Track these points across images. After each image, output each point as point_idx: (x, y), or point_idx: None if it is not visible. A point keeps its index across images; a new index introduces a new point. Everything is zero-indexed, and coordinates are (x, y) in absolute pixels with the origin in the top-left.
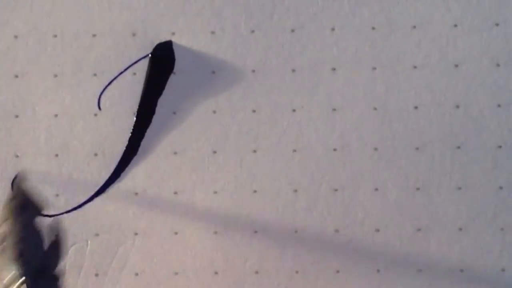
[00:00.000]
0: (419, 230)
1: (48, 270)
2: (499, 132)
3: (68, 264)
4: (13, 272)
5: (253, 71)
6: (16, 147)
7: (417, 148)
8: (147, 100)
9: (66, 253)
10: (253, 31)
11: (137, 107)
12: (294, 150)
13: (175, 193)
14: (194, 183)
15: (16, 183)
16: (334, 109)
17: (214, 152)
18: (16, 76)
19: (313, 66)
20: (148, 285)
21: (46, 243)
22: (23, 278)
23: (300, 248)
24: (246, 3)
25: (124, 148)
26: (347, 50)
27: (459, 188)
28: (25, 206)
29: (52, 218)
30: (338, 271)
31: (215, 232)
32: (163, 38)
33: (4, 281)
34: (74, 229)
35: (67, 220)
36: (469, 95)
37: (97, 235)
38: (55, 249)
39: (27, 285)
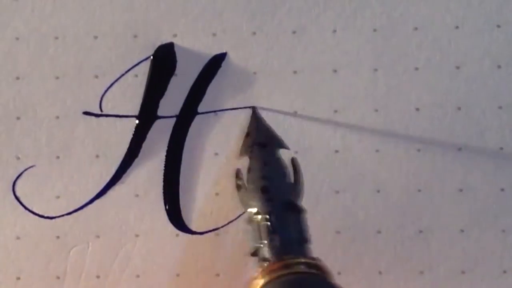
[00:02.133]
0: (420, 231)
1: (294, 204)
2: (500, 133)
3: (69, 266)
4: (257, 207)
5: (255, 72)
6: (17, 149)
7: (418, 150)
8: (148, 102)
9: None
10: (254, 33)
11: (139, 109)
12: (296, 152)
13: None
14: (196, 184)
15: (253, 120)
16: (335, 111)
17: (216, 154)
18: (17, 78)
19: (314, 67)
20: (149, 287)
21: (289, 176)
22: (269, 213)
23: None
24: (247, 5)
25: (126, 150)
26: (349, 51)
27: (461, 190)
28: (264, 142)
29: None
30: (339, 273)
31: (217, 234)
32: (165, 40)
33: (248, 216)
34: (75, 231)
35: (68, 222)
36: (471, 97)
37: (98, 237)
38: (299, 182)
39: (272, 221)
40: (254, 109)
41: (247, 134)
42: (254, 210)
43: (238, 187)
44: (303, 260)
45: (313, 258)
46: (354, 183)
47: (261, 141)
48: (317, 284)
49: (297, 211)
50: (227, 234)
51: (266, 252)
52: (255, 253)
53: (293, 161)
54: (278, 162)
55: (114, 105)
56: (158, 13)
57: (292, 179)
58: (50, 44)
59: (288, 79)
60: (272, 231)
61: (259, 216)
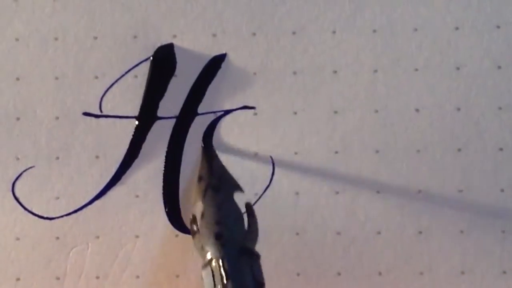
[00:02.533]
0: (420, 232)
1: (249, 249)
2: (500, 134)
3: (68, 267)
4: (210, 253)
5: (254, 73)
6: (17, 149)
7: (418, 151)
8: (148, 102)
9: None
10: (254, 34)
11: (139, 109)
12: (296, 153)
13: None
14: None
15: (205, 161)
16: (335, 112)
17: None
18: (17, 79)
19: (314, 68)
20: (149, 287)
21: (244, 221)
22: (222, 259)
23: (301, 251)
24: (247, 6)
25: (125, 151)
26: (348, 52)
27: (460, 191)
28: (218, 186)
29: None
30: (339, 274)
31: None
32: (165, 40)
33: (202, 263)
34: (74, 231)
35: (67, 223)
36: (470, 98)
37: (98, 237)
38: (253, 227)
39: (225, 266)
40: (207, 148)
41: (200, 178)
42: (208, 255)
43: (193, 233)
44: None
45: None
46: (354, 184)
47: (215, 184)
48: None
49: (252, 257)
50: None
51: None
52: None
53: (248, 206)
54: (232, 207)
55: (114, 105)
56: (158, 14)
57: (246, 224)
58: (50, 44)
59: (288, 80)
60: (226, 277)
61: (214, 262)
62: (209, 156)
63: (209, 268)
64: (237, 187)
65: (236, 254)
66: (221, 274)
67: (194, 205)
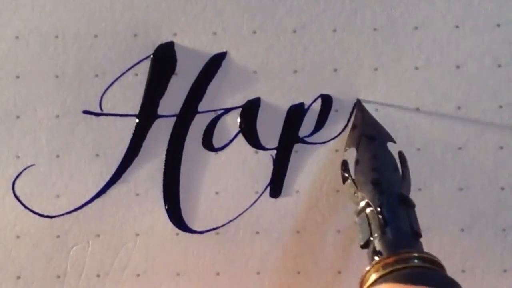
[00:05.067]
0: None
1: (406, 197)
2: (500, 133)
3: (69, 265)
4: (367, 199)
5: (255, 71)
6: (17, 148)
7: (418, 149)
8: (148, 101)
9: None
10: (254, 32)
11: (139, 108)
12: (296, 151)
13: None
14: (196, 183)
15: (359, 112)
16: (336, 110)
17: (216, 153)
18: (17, 77)
19: (314, 67)
20: (150, 286)
21: (400, 169)
22: (380, 206)
23: (302, 249)
24: (247, 4)
25: (126, 149)
26: (349, 51)
27: (461, 189)
28: (372, 135)
29: None
30: (339, 272)
31: (217, 233)
32: (165, 39)
33: (357, 208)
34: (75, 230)
35: (68, 221)
36: (471, 96)
37: (98, 236)
38: (407, 175)
39: (383, 213)
40: (358, 101)
41: (353, 126)
42: (363, 202)
43: (344, 179)
44: (417, 255)
45: (427, 253)
46: None
47: (369, 133)
48: (434, 278)
49: (409, 205)
50: (227, 233)
51: (378, 245)
52: (365, 245)
53: (401, 155)
54: (387, 155)
55: (114, 104)
56: (158, 12)
57: (400, 172)
58: (50, 43)
59: (288, 78)
60: (384, 224)
61: (369, 209)
62: (362, 109)
63: (364, 215)
64: (390, 137)
65: (395, 201)
66: (379, 221)
67: (345, 151)
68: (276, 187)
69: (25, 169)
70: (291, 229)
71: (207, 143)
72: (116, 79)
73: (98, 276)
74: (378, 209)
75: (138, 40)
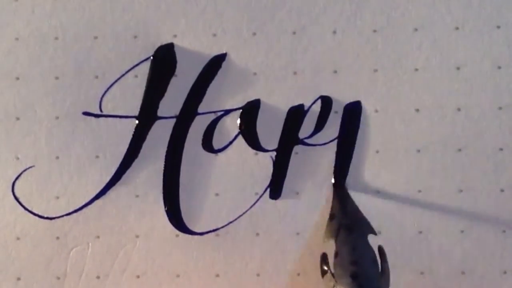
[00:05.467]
0: (420, 232)
1: None
2: (500, 134)
3: (69, 267)
4: None
5: (255, 73)
6: (17, 149)
7: (418, 151)
8: (148, 102)
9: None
10: (254, 33)
11: (139, 109)
12: (296, 153)
13: None
14: (196, 185)
15: (338, 200)
16: (335, 112)
17: (216, 155)
18: (17, 78)
19: (314, 68)
20: (149, 287)
21: (378, 265)
22: None
23: (301, 251)
24: (247, 5)
25: (125, 151)
26: (349, 52)
27: (461, 191)
28: (352, 226)
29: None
30: None
31: (217, 235)
32: (165, 40)
33: None
34: (75, 231)
35: (68, 223)
36: (471, 98)
37: (98, 237)
38: (388, 269)
39: None
40: (339, 187)
41: (332, 216)
42: None
43: (323, 272)
44: None
45: None
46: (354, 184)
47: (349, 224)
48: None
49: None
50: (227, 234)
51: None
52: None
53: (380, 249)
54: (367, 247)
55: (114, 105)
56: (158, 14)
57: (380, 267)
58: (50, 44)
59: (288, 79)
60: None
61: None
62: (342, 196)
63: None
64: (371, 229)
65: None
66: None
67: (324, 243)
68: (276, 188)
69: (24, 170)
70: (290, 230)
71: (207, 144)
72: (116, 81)
73: (98, 277)
74: None
75: (138, 41)
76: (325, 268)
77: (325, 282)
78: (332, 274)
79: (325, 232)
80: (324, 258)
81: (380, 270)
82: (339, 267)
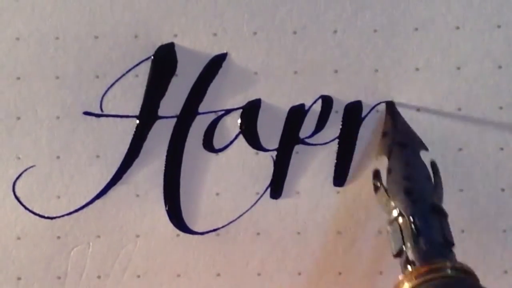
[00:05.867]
0: None
1: (439, 207)
2: (501, 134)
3: (69, 266)
4: (399, 208)
5: (255, 73)
6: (17, 149)
7: None
8: (149, 102)
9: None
10: (255, 33)
11: (139, 109)
12: (297, 152)
13: None
14: (196, 184)
15: (390, 118)
16: (336, 111)
17: (217, 154)
18: (18, 78)
19: (315, 68)
20: (150, 287)
21: (432, 178)
22: (413, 215)
23: (302, 250)
24: (248, 5)
25: (126, 150)
26: (349, 52)
27: (461, 190)
28: (405, 142)
29: None
30: (340, 273)
31: (218, 234)
32: (165, 40)
33: (389, 218)
34: (75, 231)
35: (68, 222)
36: (471, 97)
37: (98, 237)
38: (440, 184)
39: (416, 223)
40: (389, 104)
41: (384, 134)
42: (396, 211)
43: (376, 188)
44: (450, 265)
45: (460, 263)
46: (356, 183)
47: (402, 141)
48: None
49: (441, 214)
50: (227, 234)
51: (411, 255)
52: (398, 255)
53: (433, 164)
54: (420, 163)
55: (115, 105)
56: (159, 13)
57: (433, 181)
58: (50, 44)
59: (289, 79)
60: (417, 234)
61: (402, 218)
62: (393, 113)
63: (396, 224)
64: (422, 145)
65: (427, 211)
66: (412, 231)
67: (377, 159)
68: (276, 188)
69: (25, 170)
70: (291, 230)
71: (208, 144)
72: (117, 80)
73: (98, 277)
74: (411, 218)
75: (139, 41)
76: (378, 184)
77: (378, 198)
78: (385, 190)
79: (377, 149)
80: (376, 174)
81: (433, 184)
82: (393, 183)
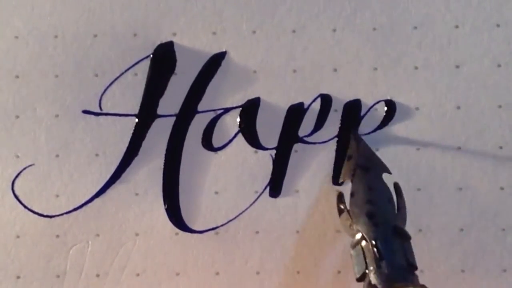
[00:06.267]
0: (420, 230)
1: (401, 230)
2: (500, 132)
3: (69, 265)
4: (361, 232)
5: (255, 71)
6: (16, 147)
7: (417, 149)
8: (148, 100)
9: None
10: (254, 32)
11: (139, 107)
12: (296, 151)
13: None
14: (195, 183)
15: (355, 142)
16: (335, 110)
17: (216, 153)
18: (17, 76)
19: (314, 66)
20: (149, 285)
21: (395, 201)
22: (375, 239)
23: (301, 249)
24: (247, 4)
25: (125, 149)
26: (348, 50)
27: (460, 189)
28: (367, 166)
29: None
30: (339, 272)
31: (217, 233)
32: (164, 38)
33: (352, 241)
34: (74, 229)
35: (67, 221)
36: (470, 96)
37: (98, 235)
38: (403, 207)
39: (378, 246)
40: (354, 131)
41: (348, 157)
42: (359, 235)
43: (340, 211)
44: None
45: (422, 286)
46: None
47: (364, 164)
48: None
49: (404, 237)
50: (226, 232)
51: (373, 278)
52: (361, 278)
53: (396, 187)
54: (382, 186)
55: (114, 103)
56: (158, 12)
57: (396, 204)
58: (49, 42)
59: (288, 78)
60: (379, 258)
61: (364, 242)
62: (357, 138)
63: (359, 248)
64: (385, 168)
65: (389, 234)
66: (374, 254)
67: (340, 184)
68: (275, 186)
69: (24, 168)
70: (290, 229)
71: (207, 142)
72: (116, 79)
73: (97, 275)
74: (373, 242)
75: (138, 39)
76: (342, 207)
77: (342, 221)
78: (349, 213)
79: (342, 173)
80: (340, 198)
81: (396, 208)
82: (356, 206)
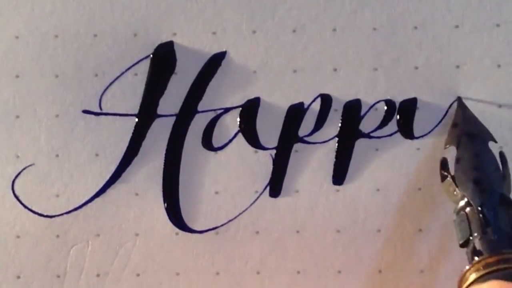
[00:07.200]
0: (420, 230)
1: (507, 197)
2: (500, 133)
3: (69, 265)
4: (467, 198)
5: (255, 71)
6: (16, 147)
7: (418, 149)
8: (148, 100)
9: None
10: (254, 32)
11: (139, 107)
12: (296, 151)
13: None
14: (195, 183)
15: (460, 110)
16: (335, 110)
17: (216, 152)
18: (17, 76)
19: (314, 66)
20: (149, 285)
21: (500, 171)
22: (481, 205)
23: (301, 249)
24: (247, 4)
25: (125, 149)
26: (349, 50)
27: None
28: (474, 133)
29: None
30: (339, 272)
31: (217, 233)
32: (165, 38)
33: (456, 207)
34: (75, 229)
35: (67, 221)
36: (470, 96)
37: (98, 235)
38: (508, 175)
39: (484, 213)
40: (459, 99)
41: (454, 124)
42: (463, 201)
43: (443, 177)
44: None
45: None
46: (354, 182)
47: (471, 131)
48: None
49: (510, 206)
50: (226, 232)
51: (478, 244)
52: (464, 244)
53: (502, 155)
54: (489, 154)
55: (114, 103)
56: (158, 12)
57: (501, 172)
58: (49, 42)
59: (288, 78)
60: (485, 224)
61: (469, 208)
62: (463, 106)
63: (463, 214)
64: (491, 136)
65: (496, 201)
66: (480, 221)
67: (445, 149)
68: (275, 186)
69: (24, 168)
70: (290, 228)
71: (207, 142)
72: (116, 79)
73: (98, 275)
74: (479, 208)
75: (138, 39)
76: (445, 173)
77: (445, 187)
78: (453, 179)
79: (446, 139)
80: (444, 163)
81: (502, 176)
82: (461, 173)
